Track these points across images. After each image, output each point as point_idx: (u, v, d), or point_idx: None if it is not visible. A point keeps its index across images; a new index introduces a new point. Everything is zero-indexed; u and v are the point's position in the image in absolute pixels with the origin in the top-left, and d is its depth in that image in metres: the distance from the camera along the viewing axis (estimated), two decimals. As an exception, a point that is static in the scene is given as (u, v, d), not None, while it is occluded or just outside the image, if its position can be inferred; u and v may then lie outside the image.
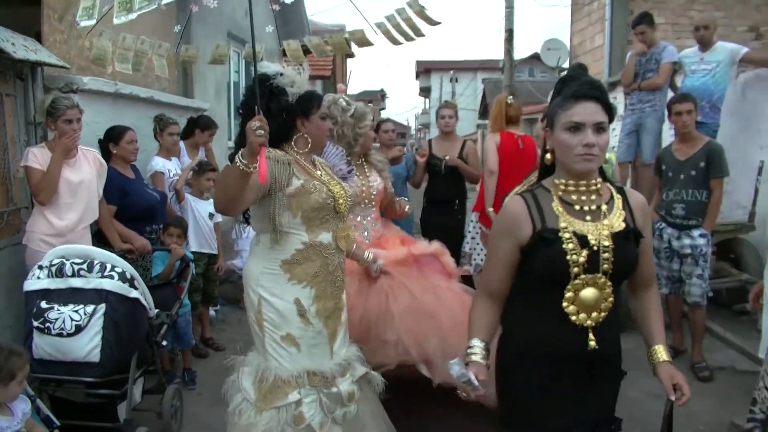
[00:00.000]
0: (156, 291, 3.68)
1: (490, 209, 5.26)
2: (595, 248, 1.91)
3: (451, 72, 38.89)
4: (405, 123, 57.52)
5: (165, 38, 4.72)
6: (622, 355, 2.13)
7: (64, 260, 3.23)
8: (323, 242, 2.68)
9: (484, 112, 26.98)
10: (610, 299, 1.96)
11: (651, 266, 2.20)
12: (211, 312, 5.57)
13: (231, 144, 7.95)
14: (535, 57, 22.48)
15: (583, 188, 1.98)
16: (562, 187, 1.99)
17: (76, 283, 3.18)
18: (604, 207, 1.99)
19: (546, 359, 1.98)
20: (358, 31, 4.16)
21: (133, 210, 4.34)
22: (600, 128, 1.91)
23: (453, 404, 1.99)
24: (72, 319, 3.06)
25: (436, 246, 3.73)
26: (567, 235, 1.92)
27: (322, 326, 2.69)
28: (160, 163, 5.03)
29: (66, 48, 4.86)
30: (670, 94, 5.74)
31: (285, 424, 2.59)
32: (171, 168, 5.11)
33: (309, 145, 2.77)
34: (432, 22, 3.85)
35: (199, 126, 5.64)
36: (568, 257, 1.90)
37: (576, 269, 1.91)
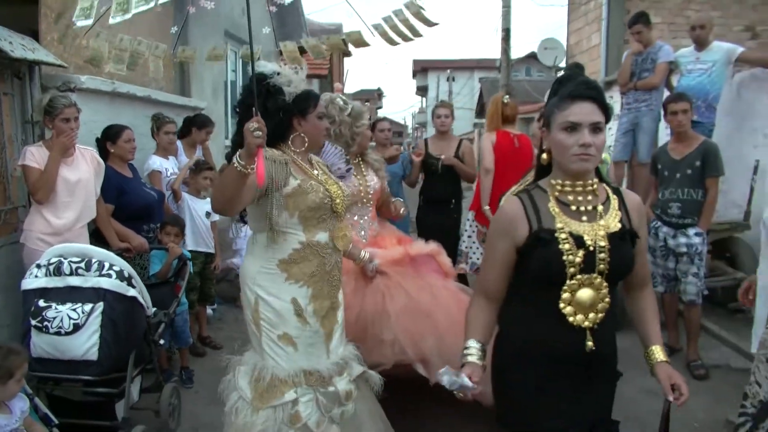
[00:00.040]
0: (153, 290, 3.68)
1: (487, 207, 5.28)
2: (591, 248, 1.92)
3: (448, 71, 38.90)
4: (402, 122, 57.52)
5: (162, 39, 4.72)
6: (618, 354, 2.14)
7: (62, 259, 3.23)
8: (320, 242, 2.68)
9: (480, 111, 27.02)
10: (607, 300, 1.97)
11: (646, 266, 2.21)
12: (209, 311, 5.57)
13: (228, 143, 7.96)
14: (532, 56, 22.50)
15: (579, 189, 1.99)
16: (559, 187, 2.00)
17: (74, 281, 3.19)
18: (600, 207, 1.99)
19: (543, 359, 1.98)
20: (354, 32, 4.17)
21: (131, 209, 4.35)
22: (596, 128, 1.91)
23: (449, 403, 2.00)
24: (70, 318, 3.07)
25: (432, 246, 3.73)
26: (563, 236, 1.92)
27: (319, 325, 2.69)
28: (157, 162, 5.04)
29: (63, 47, 4.86)
30: (666, 94, 5.76)
31: (281, 423, 2.60)
32: (168, 167, 5.12)
33: (306, 145, 2.77)
34: (429, 24, 3.85)
35: (196, 124, 5.64)
36: (565, 257, 1.91)
37: (572, 269, 1.91)
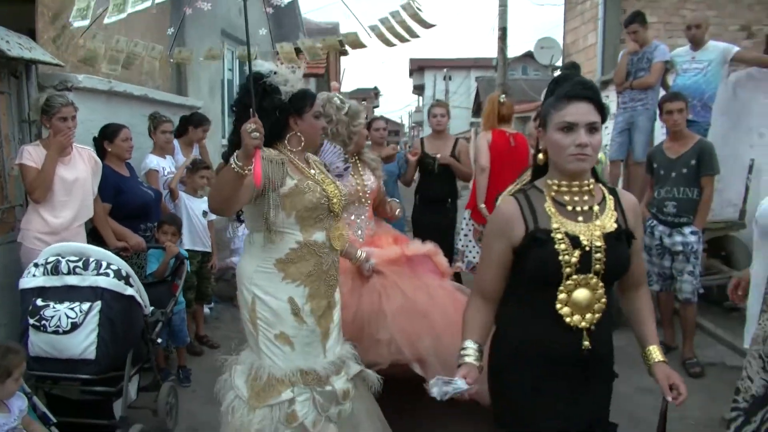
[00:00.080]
0: (151, 289, 3.68)
1: (482, 205, 5.29)
2: (587, 249, 1.92)
3: (445, 70, 38.88)
4: (398, 121, 57.50)
5: (159, 41, 4.73)
6: (614, 352, 2.14)
7: (59, 258, 3.24)
8: (317, 241, 2.68)
9: (477, 110, 27.01)
10: (603, 300, 1.98)
11: (641, 266, 2.21)
12: (206, 310, 5.58)
13: (225, 142, 7.96)
14: (529, 55, 22.48)
15: (575, 189, 1.99)
16: (555, 187, 2.00)
17: (72, 280, 3.20)
18: (596, 208, 2.00)
19: (539, 360, 1.99)
20: (351, 33, 4.18)
21: (128, 208, 4.35)
22: (593, 128, 1.92)
23: (446, 403, 2.00)
24: (68, 317, 3.08)
25: (429, 246, 3.74)
26: (559, 236, 1.93)
27: (316, 325, 2.69)
28: (154, 161, 5.04)
29: (56, 47, 4.86)
30: (662, 93, 5.78)
31: (278, 422, 2.60)
32: (165, 166, 5.12)
33: (302, 144, 2.76)
34: (426, 25, 3.85)
35: (192, 123, 5.65)
36: (561, 258, 1.91)
37: (568, 269, 1.92)
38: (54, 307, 3.11)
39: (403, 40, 3.90)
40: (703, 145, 4.68)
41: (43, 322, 3.08)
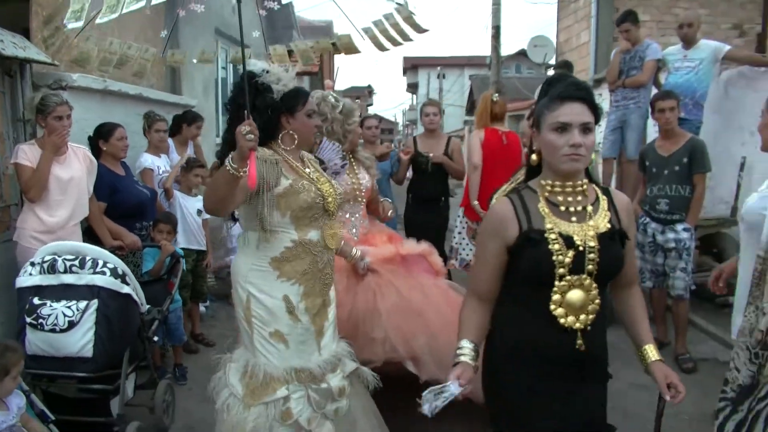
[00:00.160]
0: (147, 287, 3.69)
1: (476, 202, 5.33)
2: (581, 249, 1.93)
3: (439, 68, 38.91)
4: (392, 119, 57.50)
5: (154, 43, 4.73)
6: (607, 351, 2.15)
7: (56, 257, 3.25)
8: (312, 240, 2.68)
9: (471, 109, 27.01)
10: (597, 301, 1.98)
11: (634, 266, 2.22)
12: (201, 308, 5.59)
13: (219, 140, 7.97)
14: (522, 53, 22.49)
15: (569, 189, 2.00)
16: (549, 187, 2.01)
17: (68, 279, 3.21)
18: (589, 208, 2.00)
19: (535, 360, 1.99)
20: (345, 36, 4.18)
21: (123, 207, 4.36)
22: (586, 128, 1.92)
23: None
24: (65, 315, 3.09)
25: (424, 246, 3.76)
26: (553, 236, 1.93)
27: (310, 323, 2.70)
28: (149, 160, 5.05)
29: (46, 47, 4.86)
30: (654, 91, 5.81)
31: (273, 419, 2.61)
32: (160, 165, 5.13)
33: (295, 143, 2.76)
34: (420, 30, 3.86)
35: (186, 121, 5.66)
36: (554, 258, 1.92)
37: (561, 270, 1.92)
38: (51, 306, 3.11)
39: (396, 43, 3.91)
40: (694, 143, 4.72)
41: (40, 320, 3.09)
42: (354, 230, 3.67)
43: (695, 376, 4.48)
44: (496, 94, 5.58)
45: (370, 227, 3.80)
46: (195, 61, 4.91)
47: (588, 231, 1.96)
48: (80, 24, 3.37)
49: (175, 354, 4.59)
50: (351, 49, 4.14)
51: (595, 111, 1.96)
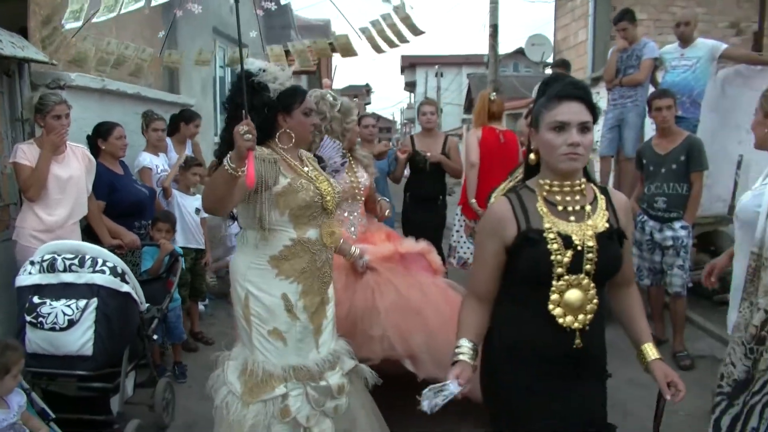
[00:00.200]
0: (146, 286, 3.70)
1: (473, 200, 5.35)
2: (579, 248, 1.93)
3: (436, 67, 38.83)
4: (390, 118, 57.47)
5: (151, 43, 4.73)
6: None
7: (55, 256, 3.26)
8: (311, 238, 2.69)
9: (469, 107, 27.04)
10: (595, 301, 1.98)
11: (631, 265, 2.22)
12: (200, 306, 5.60)
13: (217, 139, 7.97)
14: (520, 52, 22.50)
15: (567, 189, 1.99)
16: (547, 187, 2.00)
17: (68, 278, 3.21)
18: (588, 207, 2.00)
19: (534, 359, 1.99)
20: (342, 35, 4.18)
21: (122, 205, 4.37)
22: (584, 128, 1.92)
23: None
24: (64, 314, 3.10)
25: (423, 245, 3.77)
26: (551, 236, 1.93)
27: (308, 321, 2.71)
28: (147, 159, 5.06)
29: (43, 47, 4.86)
30: (652, 90, 5.83)
31: (271, 417, 2.62)
32: (158, 164, 5.14)
33: (293, 141, 2.76)
34: (417, 32, 3.85)
35: (183, 119, 5.66)
36: (553, 257, 1.92)
37: (559, 269, 1.92)
38: (51, 305, 3.12)
39: (392, 45, 3.90)
40: (692, 141, 4.73)
41: (40, 319, 3.10)
42: (352, 228, 3.68)
43: (693, 373, 4.49)
44: (494, 93, 5.60)
45: (369, 226, 3.82)
46: (192, 63, 4.91)
47: (586, 231, 1.95)
48: (79, 24, 3.37)
49: (175, 352, 4.60)
50: (348, 50, 4.14)
51: (593, 110, 1.95)
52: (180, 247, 4.62)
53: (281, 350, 2.67)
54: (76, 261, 3.24)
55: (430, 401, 1.90)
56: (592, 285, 1.97)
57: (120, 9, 3.14)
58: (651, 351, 2.08)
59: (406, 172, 5.80)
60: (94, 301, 3.16)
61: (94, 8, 3.33)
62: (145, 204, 4.56)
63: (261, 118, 2.61)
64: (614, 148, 6.35)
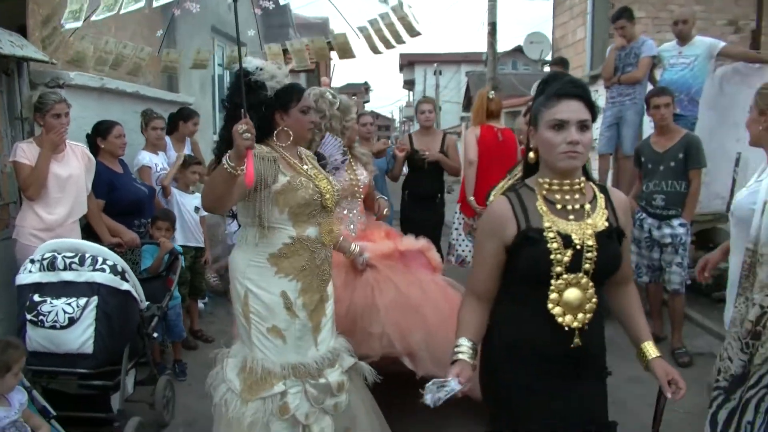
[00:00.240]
0: (146, 284, 3.71)
1: (471, 198, 5.37)
2: (579, 248, 1.93)
3: (435, 65, 38.82)
4: (389, 116, 57.48)
5: (150, 42, 4.73)
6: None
7: (55, 254, 3.26)
8: (310, 236, 2.70)
9: (467, 105, 27.04)
10: (594, 300, 1.98)
11: (629, 264, 2.22)
12: (200, 305, 5.61)
13: (216, 138, 7.97)
14: (518, 50, 22.52)
15: (566, 187, 1.99)
16: (546, 186, 2.00)
17: (68, 276, 3.22)
18: (587, 206, 1.99)
19: (533, 358, 1.99)
20: (340, 34, 4.20)
21: (122, 204, 4.37)
22: (584, 126, 1.91)
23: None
24: (65, 312, 3.11)
25: (422, 242, 3.78)
26: (551, 235, 1.92)
27: (307, 319, 2.72)
28: (146, 158, 5.06)
29: (43, 46, 4.86)
30: (650, 87, 5.84)
31: (270, 414, 2.63)
32: (158, 162, 5.14)
33: (290, 139, 2.77)
34: (413, 33, 3.87)
35: (182, 118, 5.67)
36: (552, 256, 1.91)
37: (559, 268, 1.92)
38: (51, 303, 3.13)
39: (389, 46, 3.92)
40: (690, 139, 4.75)
41: (41, 317, 3.11)
42: (352, 226, 3.69)
43: (691, 370, 4.50)
44: (492, 92, 5.62)
45: (368, 223, 3.82)
46: (189, 66, 4.91)
47: (586, 230, 1.95)
48: (78, 24, 3.38)
49: (175, 350, 4.61)
50: (346, 51, 4.15)
51: (592, 109, 1.95)
52: (179, 246, 4.63)
53: (280, 348, 2.68)
54: (76, 259, 3.25)
55: (433, 395, 1.90)
56: (591, 284, 1.96)
57: (120, 9, 3.14)
58: (651, 349, 2.08)
59: (405, 170, 5.81)
60: (95, 300, 3.17)
61: (93, 8, 3.33)
62: (144, 202, 4.57)
63: (258, 116, 2.62)
64: (612, 146, 6.36)
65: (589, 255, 1.93)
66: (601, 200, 2.03)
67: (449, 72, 39.17)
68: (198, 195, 4.86)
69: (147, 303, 3.59)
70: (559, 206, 1.98)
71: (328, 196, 2.74)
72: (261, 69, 2.73)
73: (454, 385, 1.90)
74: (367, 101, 51.32)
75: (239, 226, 2.85)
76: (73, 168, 3.93)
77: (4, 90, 4.23)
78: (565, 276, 1.94)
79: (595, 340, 2.03)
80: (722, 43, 5.98)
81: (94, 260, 3.26)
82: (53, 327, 3.10)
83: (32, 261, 3.31)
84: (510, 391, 2.03)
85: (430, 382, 1.92)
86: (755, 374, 2.31)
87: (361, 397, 2.94)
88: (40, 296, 3.17)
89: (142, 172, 4.97)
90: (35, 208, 3.77)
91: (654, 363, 2.05)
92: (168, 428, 3.78)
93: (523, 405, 2.01)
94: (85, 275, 3.22)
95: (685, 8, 7.51)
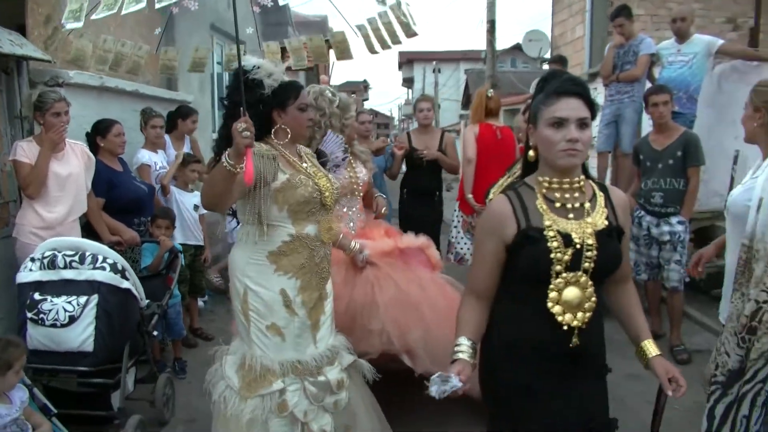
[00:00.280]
0: (146, 282, 3.72)
1: (470, 196, 5.38)
2: (579, 246, 1.92)
3: (434, 63, 38.78)
4: (388, 114, 57.46)
5: (147, 39, 4.73)
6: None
7: (56, 252, 3.27)
8: (309, 234, 2.70)
9: (466, 103, 27.04)
10: (593, 298, 1.98)
11: (629, 262, 2.22)
12: (200, 303, 5.61)
13: (215, 136, 7.96)
14: (517, 48, 22.55)
15: (566, 186, 1.98)
16: (546, 184, 1.99)
17: (69, 274, 3.23)
18: (587, 205, 1.99)
19: (533, 357, 1.99)
20: (339, 33, 4.21)
21: (121, 202, 4.38)
22: (583, 124, 1.91)
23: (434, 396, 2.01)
24: (65, 310, 3.12)
25: (422, 240, 3.78)
26: (552, 233, 1.92)
27: (306, 317, 2.73)
28: (146, 156, 5.06)
29: (45, 47, 4.87)
30: (648, 85, 5.85)
31: (269, 411, 2.64)
32: (157, 161, 5.14)
33: (288, 137, 2.77)
34: (410, 33, 3.89)
35: (181, 116, 5.67)
36: (553, 256, 1.91)
37: (558, 267, 1.92)
38: (51, 301, 3.14)
39: (385, 46, 3.94)
40: (688, 136, 4.76)
41: (41, 315, 3.12)
42: (351, 224, 3.69)
43: (689, 367, 4.51)
44: (491, 90, 5.63)
45: (367, 221, 3.83)
46: (188, 69, 4.92)
47: (586, 228, 1.95)
48: (79, 25, 3.38)
49: (175, 348, 4.62)
50: (344, 51, 4.16)
51: (592, 106, 1.95)
52: (179, 244, 4.64)
53: (279, 345, 2.69)
54: (76, 258, 3.26)
55: (438, 387, 1.90)
56: (590, 283, 1.96)
57: (120, 9, 3.15)
58: (651, 347, 2.07)
59: (403, 168, 5.82)
60: (95, 298, 3.18)
61: (93, 6, 3.34)
62: (144, 201, 4.58)
63: (256, 114, 2.61)
64: (611, 144, 6.38)
65: (589, 254, 1.93)
66: (600, 199, 2.03)
67: (448, 70, 39.14)
68: (197, 193, 4.87)
69: (147, 301, 3.59)
70: (558, 205, 1.98)
71: (327, 193, 2.74)
72: (258, 67, 2.73)
73: (455, 382, 1.90)
74: (366, 99, 51.21)
75: (238, 223, 2.85)
76: (73, 166, 3.93)
77: (3, 89, 4.22)
78: (564, 275, 1.94)
79: (594, 339, 2.04)
80: (721, 41, 5.98)
81: (95, 258, 3.27)
82: (54, 325, 3.11)
83: (33, 259, 3.31)
84: (510, 390, 2.03)
85: (435, 375, 1.93)
86: (751, 369, 2.33)
87: (360, 394, 2.94)
88: (40, 294, 3.18)
89: (141, 170, 4.98)
90: (35, 206, 3.78)
91: (654, 361, 2.05)
92: (168, 426, 3.79)
93: (523, 404, 2.01)
94: (85, 273, 3.23)
95: (684, 6, 7.50)
